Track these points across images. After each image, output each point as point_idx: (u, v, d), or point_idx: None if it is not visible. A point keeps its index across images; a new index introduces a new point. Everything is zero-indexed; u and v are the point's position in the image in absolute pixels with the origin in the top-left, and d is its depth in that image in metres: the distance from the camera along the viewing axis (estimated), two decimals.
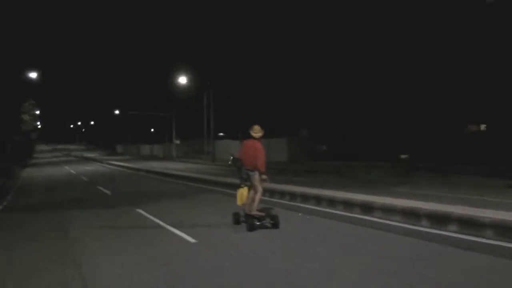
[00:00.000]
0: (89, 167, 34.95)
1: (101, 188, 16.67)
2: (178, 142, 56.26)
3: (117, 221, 9.28)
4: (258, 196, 7.58)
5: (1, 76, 25.45)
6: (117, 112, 74.79)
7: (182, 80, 39.04)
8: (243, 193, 7.76)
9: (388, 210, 7.95)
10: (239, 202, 7.83)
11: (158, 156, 58.51)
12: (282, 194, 11.65)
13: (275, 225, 7.46)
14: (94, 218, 9.78)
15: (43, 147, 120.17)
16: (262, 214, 7.61)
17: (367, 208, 8.46)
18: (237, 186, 8.24)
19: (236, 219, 7.84)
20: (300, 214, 9.10)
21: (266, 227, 7.46)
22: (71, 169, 32.28)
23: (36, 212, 11.15)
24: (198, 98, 52.45)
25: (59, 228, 8.67)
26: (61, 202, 13.13)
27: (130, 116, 75.01)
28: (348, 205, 9.01)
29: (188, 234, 7.28)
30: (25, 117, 32.82)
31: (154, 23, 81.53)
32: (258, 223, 7.40)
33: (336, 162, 26.91)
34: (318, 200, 10.01)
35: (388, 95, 29.31)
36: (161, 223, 8.56)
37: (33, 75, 30.47)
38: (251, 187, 7.65)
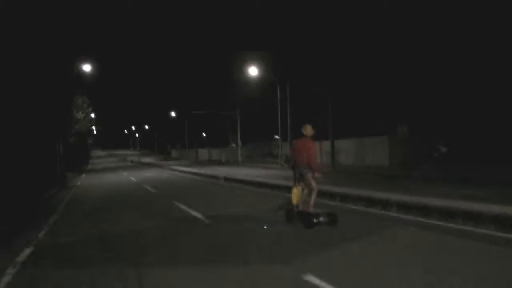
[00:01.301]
0: (150, 174, 30.13)
1: (182, 206, 11.16)
2: (234, 145, 51.12)
3: None
4: (314, 195, 7.58)
5: (51, 65, 20.91)
6: (173, 114, 70.63)
7: (253, 71, 33.36)
8: (297, 192, 7.73)
9: None
10: (294, 202, 7.74)
11: (220, 161, 53.50)
12: None
13: (332, 222, 7.34)
14: None
15: (99, 152, 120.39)
16: (318, 211, 7.54)
17: None
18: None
19: (289, 217, 7.84)
20: None
21: (322, 224, 7.25)
22: (130, 176, 27.54)
23: (85, 271, 5.64)
24: (262, 96, 47.12)
25: None
26: (129, 238, 7.68)
27: (185, 119, 71.07)
28: None
29: None
30: (79, 115, 28.55)
31: (214, 19, 77.61)
32: (315, 221, 7.26)
33: (462, 166, 20.30)
34: None
35: None
36: None
37: (86, 67, 26.08)
38: (305, 186, 7.66)
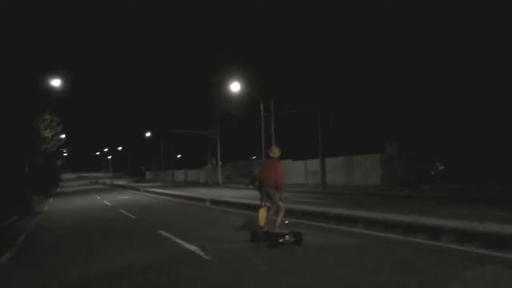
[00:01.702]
0: (126, 197, 27.84)
1: (170, 236, 9.22)
2: (210, 165, 49.13)
3: None
4: (281, 215, 7.63)
5: (15, 80, 18.84)
6: (148, 134, 68.10)
7: (235, 87, 31.78)
8: (263, 212, 7.79)
9: None
10: (261, 223, 7.76)
11: (198, 182, 51.29)
12: None
13: (298, 242, 7.21)
14: None
15: (69, 175, 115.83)
16: (284, 232, 7.43)
17: None
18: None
19: (255, 238, 7.64)
20: None
21: (287, 244, 7.13)
22: (104, 200, 25.17)
23: None
24: (242, 115, 45.57)
25: None
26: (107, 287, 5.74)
27: (160, 140, 68.76)
28: None
29: None
30: (46, 133, 26.10)
31: (191, 36, 76.13)
32: (280, 240, 7.17)
33: (464, 184, 19.06)
34: None
35: None
36: None
37: (55, 82, 23.85)
38: (272, 206, 7.71)
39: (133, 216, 14.67)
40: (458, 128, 24.94)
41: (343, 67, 30.80)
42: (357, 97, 31.62)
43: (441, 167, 22.54)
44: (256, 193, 8.59)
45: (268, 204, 7.84)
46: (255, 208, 13.52)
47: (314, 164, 32.36)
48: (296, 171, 34.57)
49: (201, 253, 7.14)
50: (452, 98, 25.47)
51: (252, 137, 40.19)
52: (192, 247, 7.72)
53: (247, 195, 20.25)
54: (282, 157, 27.84)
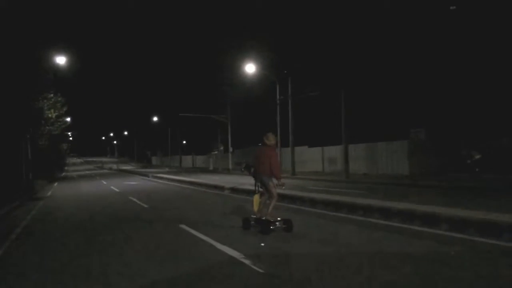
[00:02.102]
0: (134, 182, 26.23)
1: (197, 233, 7.52)
2: (217, 151, 47.53)
3: None
4: (273, 202, 7.62)
5: (17, 55, 17.09)
6: (155, 119, 66.51)
7: (250, 68, 29.84)
8: (257, 199, 7.82)
9: None
10: (255, 209, 7.81)
11: (207, 168, 49.60)
12: None
13: (288, 228, 7.32)
14: None
15: (75, 159, 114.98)
16: (276, 218, 7.54)
17: None
18: None
19: (246, 224, 7.78)
20: None
21: (279, 230, 7.24)
22: (111, 185, 23.55)
23: None
24: (252, 100, 43.73)
25: None
26: None
27: (168, 125, 67.14)
28: None
29: None
30: (50, 113, 24.40)
31: (202, 18, 73.92)
32: (272, 227, 7.30)
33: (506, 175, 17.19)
34: None
35: None
36: None
37: (61, 60, 22.06)
38: (265, 192, 7.71)
39: (145, 205, 12.96)
40: (489, 115, 23.03)
41: (364, 48, 28.73)
42: (379, 80, 29.61)
43: (477, 156, 20.58)
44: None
45: (261, 190, 7.78)
46: (283, 197, 11.81)
47: (331, 151, 30.62)
48: (313, 158, 32.85)
49: (246, 261, 5.40)
50: (482, 84, 23.51)
51: (262, 123, 38.35)
52: (230, 251, 6.00)
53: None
54: (298, 143, 25.86)
